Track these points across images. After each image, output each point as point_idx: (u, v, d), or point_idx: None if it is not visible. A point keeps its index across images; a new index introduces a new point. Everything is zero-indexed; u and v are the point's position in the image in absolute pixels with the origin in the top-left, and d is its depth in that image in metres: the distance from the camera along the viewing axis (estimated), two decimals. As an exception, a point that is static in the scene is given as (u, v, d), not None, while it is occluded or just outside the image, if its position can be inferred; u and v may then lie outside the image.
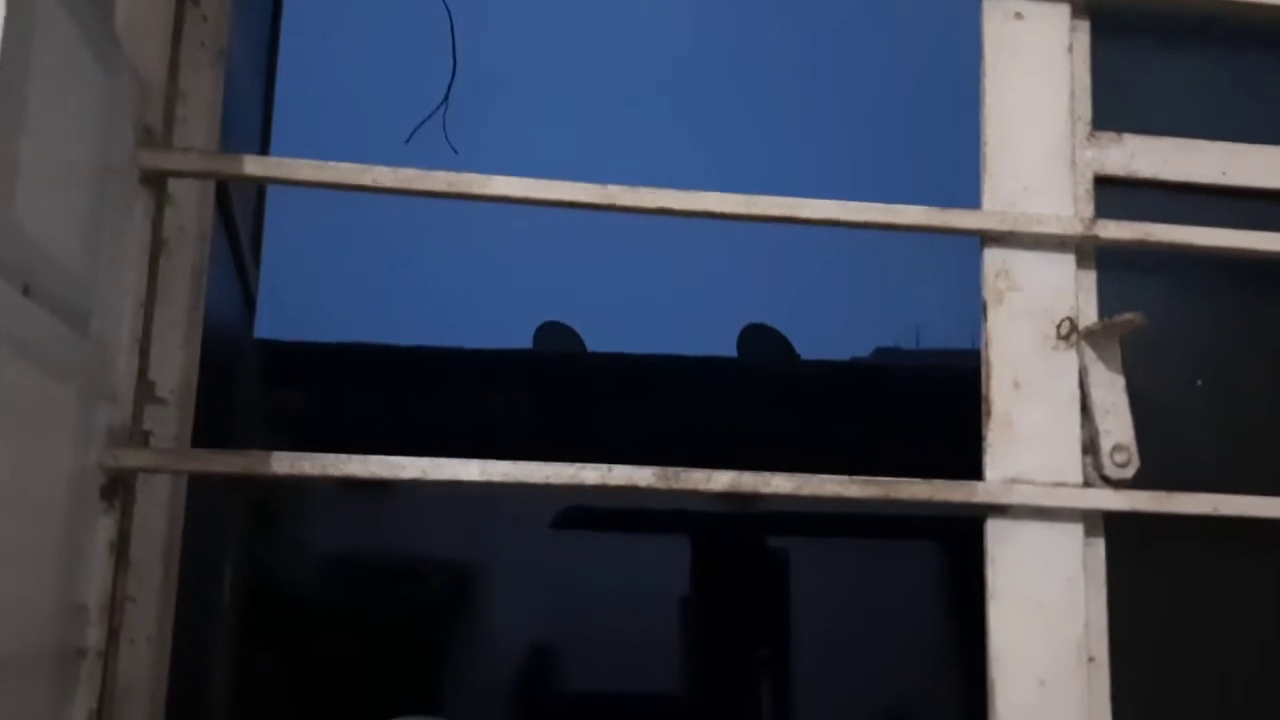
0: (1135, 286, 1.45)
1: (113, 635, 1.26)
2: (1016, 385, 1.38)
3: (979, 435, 1.39)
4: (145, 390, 1.31)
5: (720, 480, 1.32)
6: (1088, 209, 1.43)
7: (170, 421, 1.33)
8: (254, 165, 1.32)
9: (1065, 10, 1.47)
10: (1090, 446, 1.37)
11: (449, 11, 2.41)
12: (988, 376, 1.38)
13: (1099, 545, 1.36)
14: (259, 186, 2.35)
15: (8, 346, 0.93)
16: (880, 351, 10.00)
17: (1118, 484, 1.35)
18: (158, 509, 1.32)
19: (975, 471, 1.38)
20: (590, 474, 1.31)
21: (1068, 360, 1.39)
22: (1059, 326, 1.39)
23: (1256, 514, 1.36)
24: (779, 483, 1.32)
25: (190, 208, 1.35)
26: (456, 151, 2.47)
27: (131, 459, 1.23)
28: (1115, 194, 1.45)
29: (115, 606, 1.26)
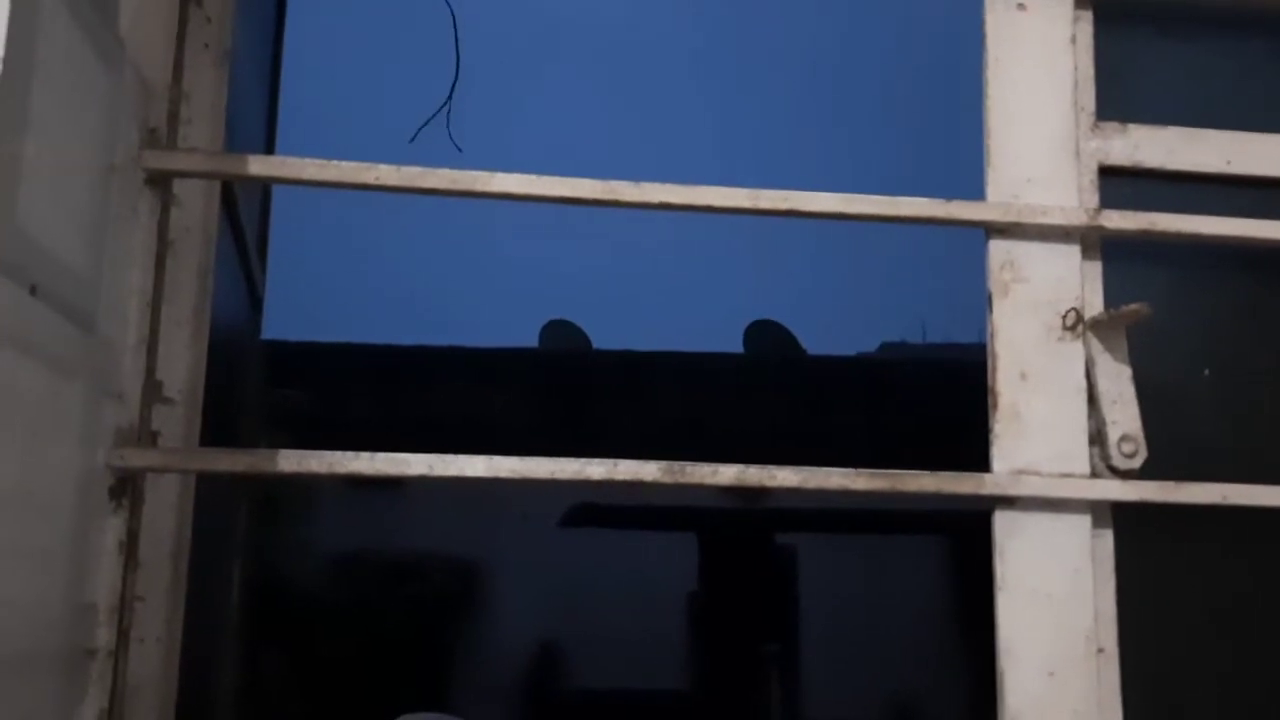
0: (1141, 277, 1.45)
1: (122, 635, 1.27)
2: (1023, 376, 1.37)
3: (986, 428, 1.38)
4: (153, 390, 1.31)
5: (726, 474, 1.32)
6: (1092, 199, 1.42)
7: (178, 421, 1.33)
8: (258, 165, 1.32)
9: (1068, 1, 1.46)
10: (1097, 437, 1.37)
11: (452, 11, 2.41)
12: (994, 368, 1.38)
13: (1107, 536, 1.36)
14: (265, 188, 2.35)
15: (14, 346, 0.93)
16: (886, 346, 9.99)
17: (1125, 474, 1.35)
18: (166, 509, 1.32)
19: (983, 465, 1.37)
20: (596, 469, 1.31)
21: (1074, 351, 1.38)
22: (1065, 317, 1.39)
23: (1265, 503, 1.35)
24: (784, 476, 1.32)
25: (196, 208, 1.35)
26: (461, 150, 2.47)
27: (139, 459, 1.23)
28: (1120, 184, 1.45)
29: (124, 606, 1.27)
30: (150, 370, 1.30)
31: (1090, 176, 1.44)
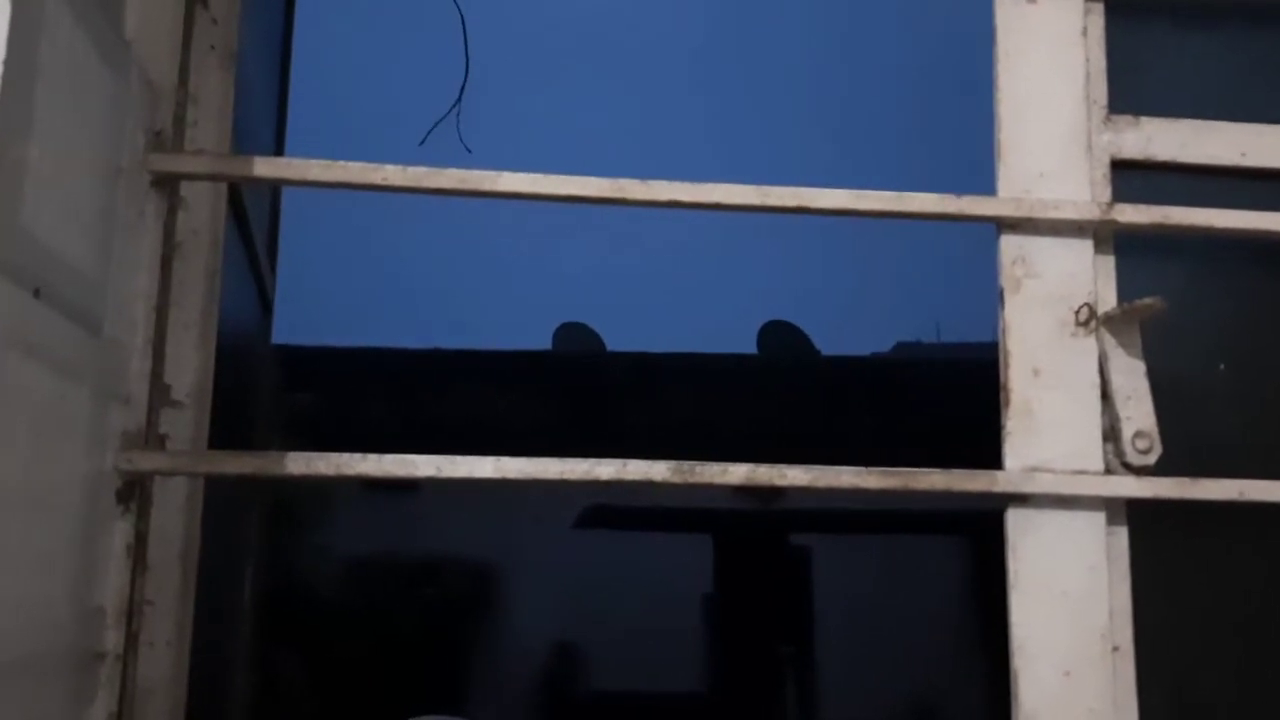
0: (1154, 272, 1.43)
1: (131, 639, 1.27)
2: (1035, 373, 1.36)
3: (1000, 427, 1.37)
4: (160, 393, 1.31)
5: (736, 473, 1.31)
6: (1105, 193, 1.41)
7: (186, 424, 1.33)
8: (264, 166, 1.32)
9: (1079, -7, 1.45)
10: (1111, 433, 1.35)
11: (461, 13, 2.41)
12: (1006, 365, 1.36)
13: (1122, 533, 1.34)
14: (273, 191, 2.36)
15: (19, 349, 0.93)
16: (900, 346, 9.96)
17: (1140, 471, 1.33)
18: (175, 512, 1.32)
19: (998, 464, 1.36)
20: (605, 469, 1.30)
21: (1087, 347, 1.37)
22: (1078, 313, 1.37)
23: (1282, 499, 1.34)
24: (795, 475, 1.31)
25: (203, 211, 1.35)
26: (470, 151, 2.47)
27: (146, 461, 1.23)
28: (1132, 178, 1.43)
29: (133, 610, 1.26)
30: (158, 373, 1.30)
31: (1102, 170, 1.42)
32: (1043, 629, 1.31)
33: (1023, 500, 1.33)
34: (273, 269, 2.29)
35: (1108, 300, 1.40)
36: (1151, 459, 1.33)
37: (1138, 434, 1.34)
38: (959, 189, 1.39)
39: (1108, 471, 1.34)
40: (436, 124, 2.38)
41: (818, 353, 9.24)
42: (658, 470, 1.30)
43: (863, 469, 1.31)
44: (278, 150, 2.42)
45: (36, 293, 0.95)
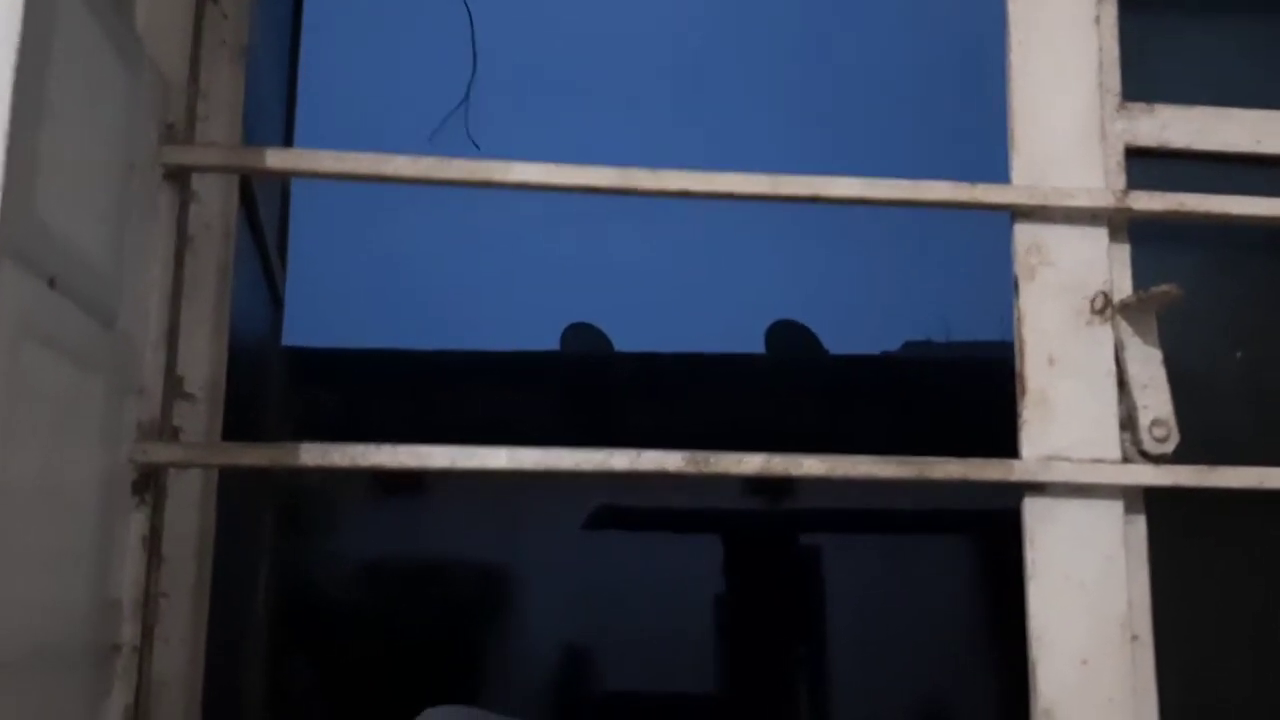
0: (1170, 260, 1.42)
1: (147, 632, 1.27)
2: (1051, 362, 1.35)
3: (1013, 426, 1.36)
4: (174, 386, 1.31)
5: (751, 463, 1.31)
6: (1119, 181, 1.40)
7: (200, 417, 1.33)
8: (275, 158, 1.32)
9: (1091, -20, 1.44)
10: (1128, 422, 1.34)
11: (469, 9, 2.41)
12: (1021, 354, 1.36)
13: (1140, 522, 1.34)
14: (283, 190, 2.36)
15: (34, 338, 0.93)
16: (909, 345, 9.94)
17: (1158, 459, 1.32)
18: (189, 505, 1.32)
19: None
20: (619, 459, 1.30)
21: (1103, 335, 1.36)
22: (1093, 301, 1.36)
23: (1302, 487, 1.33)
24: (810, 464, 1.31)
25: (215, 204, 1.35)
26: (479, 147, 2.47)
27: (161, 453, 1.23)
28: (1147, 166, 1.42)
29: (149, 603, 1.27)
30: (171, 366, 1.30)
31: (1117, 158, 1.41)
32: (1060, 618, 1.30)
33: (1040, 489, 1.32)
34: (283, 265, 2.29)
35: (1123, 289, 1.39)
36: (1169, 447, 1.33)
37: (1155, 422, 1.33)
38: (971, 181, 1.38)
39: (1125, 460, 1.34)
40: (444, 120, 2.38)
41: (826, 352, 9.23)
42: (672, 461, 1.30)
43: (878, 458, 1.31)
44: (286, 145, 2.42)
45: (52, 282, 0.95)
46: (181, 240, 1.31)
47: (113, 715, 1.20)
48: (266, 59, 2.05)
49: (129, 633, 1.22)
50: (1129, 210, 1.36)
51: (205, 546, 1.35)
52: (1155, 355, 1.35)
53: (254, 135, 1.75)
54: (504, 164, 1.29)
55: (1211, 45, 1.50)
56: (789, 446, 1.31)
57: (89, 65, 1.04)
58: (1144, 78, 1.43)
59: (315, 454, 1.26)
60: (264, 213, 2.04)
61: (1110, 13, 1.45)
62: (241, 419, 1.71)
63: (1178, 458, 1.33)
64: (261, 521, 2.59)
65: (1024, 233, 1.37)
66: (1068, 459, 1.32)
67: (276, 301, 2.23)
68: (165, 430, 1.28)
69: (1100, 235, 1.37)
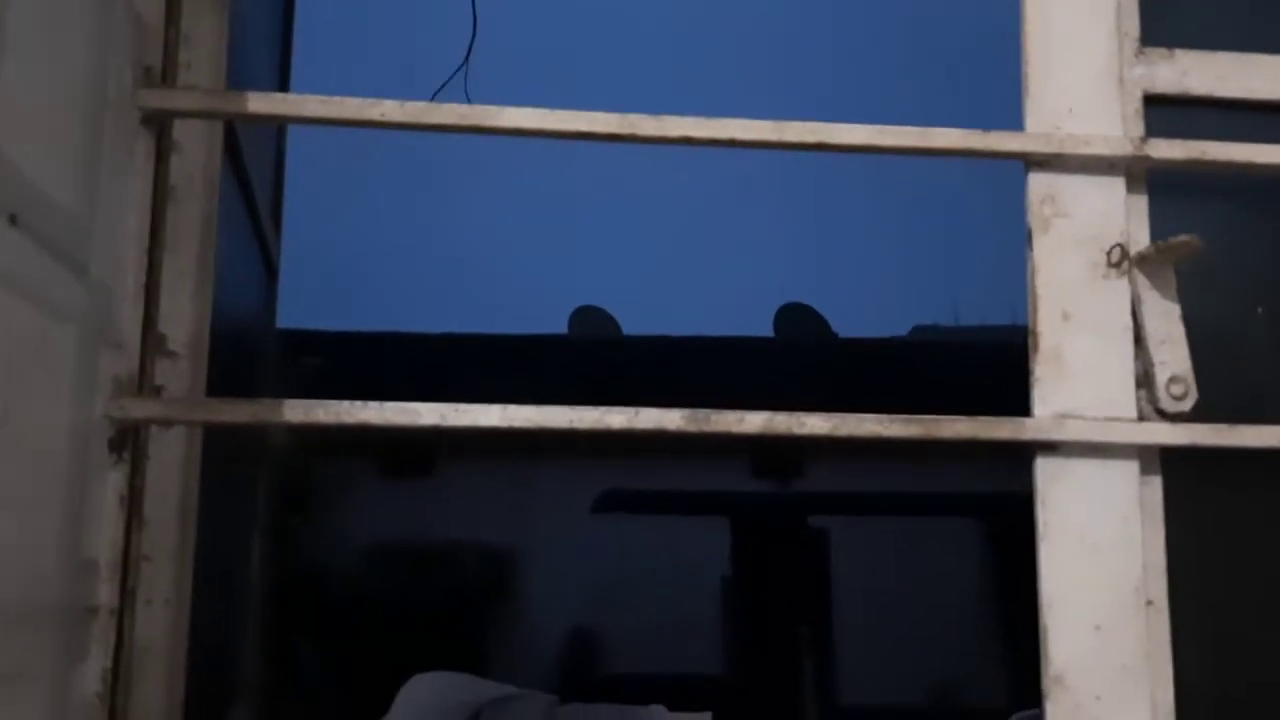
0: (1188, 212, 1.37)
1: (128, 595, 1.22)
2: (1065, 317, 1.30)
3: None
4: (156, 343, 1.27)
5: (753, 422, 1.26)
6: (1137, 129, 1.34)
7: (183, 376, 1.29)
8: (259, 103, 1.27)
9: (1108, -78, 1.38)
10: (1145, 379, 1.29)
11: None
12: (1034, 308, 1.30)
13: (1156, 483, 1.28)
14: (278, 153, 2.31)
15: (-6, 275, 0.88)
16: (918, 329, 9.88)
17: (1175, 418, 1.27)
18: (171, 466, 1.28)
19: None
20: (616, 417, 1.25)
21: (1119, 289, 1.31)
22: (1109, 254, 1.31)
23: (1326, 447, 1.27)
24: (814, 423, 1.26)
25: (198, 155, 1.31)
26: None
27: (139, 409, 1.19)
28: (1167, 114, 1.37)
29: (129, 565, 1.22)
30: (151, 322, 1.25)
31: (1135, 106, 1.36)
32: (1073, 583, 1.25)
33: (1052, 448, 1.27)
34: (278, 232, 2.24)
35: (1140, 241, 1.33)
36: (1187, 405, 1.27)
37: (1173, 379, 1.27)
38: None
39: (1141, 418, 1.28)
40: (444, 84, 2.33)
41: (835, 335, 9.18)
42: (671, 419, 1.25)
43: (884, 417, 1.26)
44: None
45: (13, 219, 0.91)
46: (162, 191, 1.26)
47: (90, 679, 1.16)
48: (259, 19, 2.00)
49: (106, 594, 1.18)
50: (1147, 159, 1.30)
51: (189, 508, 1.31)
52: (1174, 310, 1.29)
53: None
54: (496, 109, 1.24)
55: (1234, -11, 1.44)
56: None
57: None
58: (1163, 22, 1.38)
59: (299, 411, 1.21)
60: (256, 177, 2.00)
61: (1128, -45, 1.39)
62: (236, 390, 1.66)
63: (1196, 416, 1.27)
64: (255, 497, 2.56)
65: (1038, 182, 1.32)
66: (1081, 417, 1.27)
67: (271, 271, 2.18)
68: (146, 388, 1.23)
69: (1117, 185, 1.32)
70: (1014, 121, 1.36)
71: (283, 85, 2.18)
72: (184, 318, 1.29)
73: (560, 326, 9.16)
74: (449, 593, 7.32)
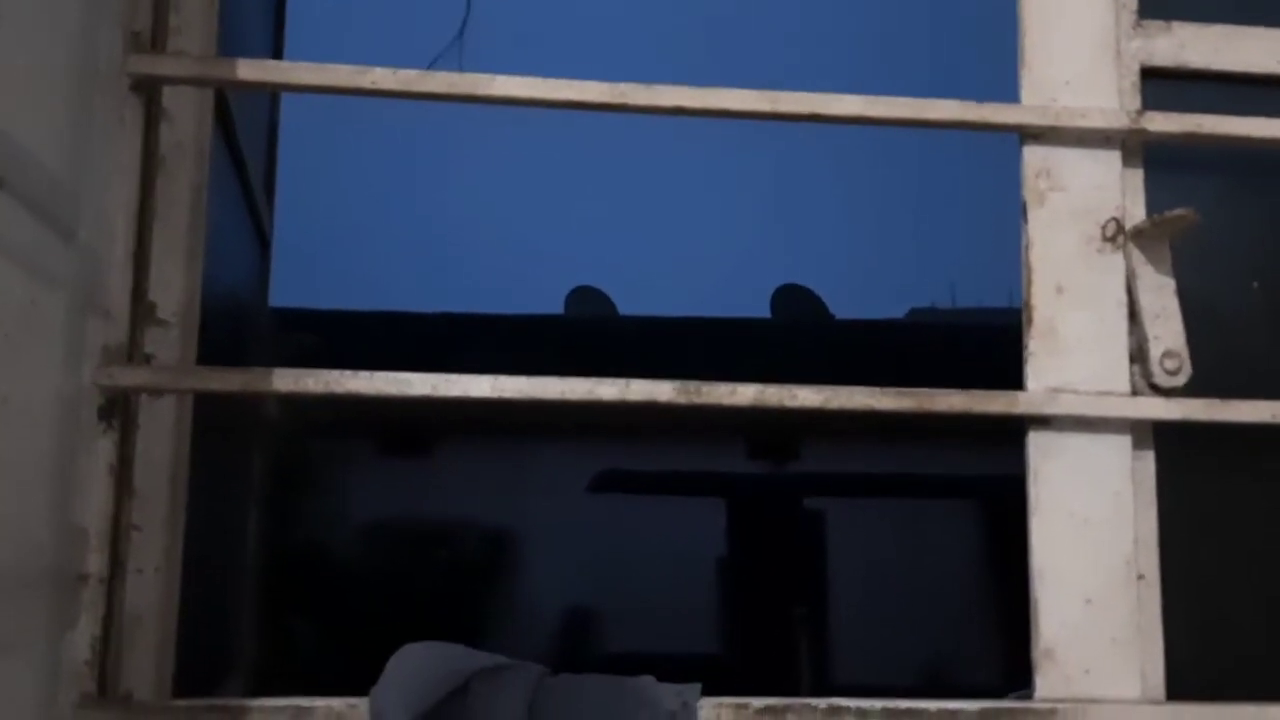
0: (1184, 186, 1.36)
1: (118, 564, 1.22)
2: (1059, 291, 1.29)
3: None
4: (146, 312, 1.26)
5: (744, 394, 1.26)
6: (1134, 102, 1.33)
7: (173, 345, 1.28)
8: (250, 69, 1.26)
9: (1107, -108, 1.37)
10: (1139, 354, 1.29)
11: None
12: (1029, 282, 1.30)
13: (1148, 458, 1.28)
14: (271, 124, 2.30)
15: (-22, 237, 0.88)
16: (915, 311, 9.87)
17: (1168, 392, 1.27)
18: (161, 435, 1.27)
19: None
20: (607, 389, 1.25)
21: (1114, 264, 1.30)
22: (1104, 228, 1.30)
23: (1318, 423, 1.27)
24: (806, 395, 1.25)
25: (188, 123, 1.29)
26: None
27: (128, 377, 1.18)
28: (1163, 87, 1.36)
29: (119, 534, 1.22)
30: (141, 290, 1.25)
31: (1131, 79, 1.35)
32: (1064, 556, 1.25)
33: (1045, 422, 1.27)
34: (270, 204, 2.23)
35: (1136, 216, 1.33)
36: (1180, 380, 1.27)
37: (1166, 354, 1.27)
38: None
39: (1134, 393, 1.28)
40: (436, 58, 2.32)
41: (832, 317, 9.16)
42: (662, 390, 1.25)
43: (877, 390, 1.26)
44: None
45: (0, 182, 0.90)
46: (151, 159, 1.26)
47: (80, 647, 1.16)
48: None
49: (96, 563, 1.18)
50: (1144, 132, 1.30)
51: (179, 478, 1.31)
52: (1168, 284, 1.29)
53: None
54: (487, 77, 1.23)
55: (1232, -39, 1.43)
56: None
57: (42, -40, 0.98)
58: (1162, -6, 1.36)
59: (289, 380, 1.21)
60: (248, 149, 1.98)
61: (1127, -74, 1.38)
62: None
63: (1189, 391, 1.27)
64: (269, 486, 2.56)
65: (1033, 155, 1.31)
66: (1075, 391, 1.27)
67: (264, 244, 2.17)
68: (136, 357, 1.23)
69: (1113, 159, 1.31)
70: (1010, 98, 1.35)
71: (276, 55, 2.17)
72: (174, 287, 1.28)
73: (556, 307, 9.15)
74: (444, 571, 7.33)
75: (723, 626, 7.41)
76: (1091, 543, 1.25)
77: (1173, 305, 1.29)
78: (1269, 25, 1.37)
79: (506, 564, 7.59)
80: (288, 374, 1.20)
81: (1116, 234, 1.30)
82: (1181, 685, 1.24)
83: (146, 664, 1.23)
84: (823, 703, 1.20)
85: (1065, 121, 1.29)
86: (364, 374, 1.21)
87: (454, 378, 1.22)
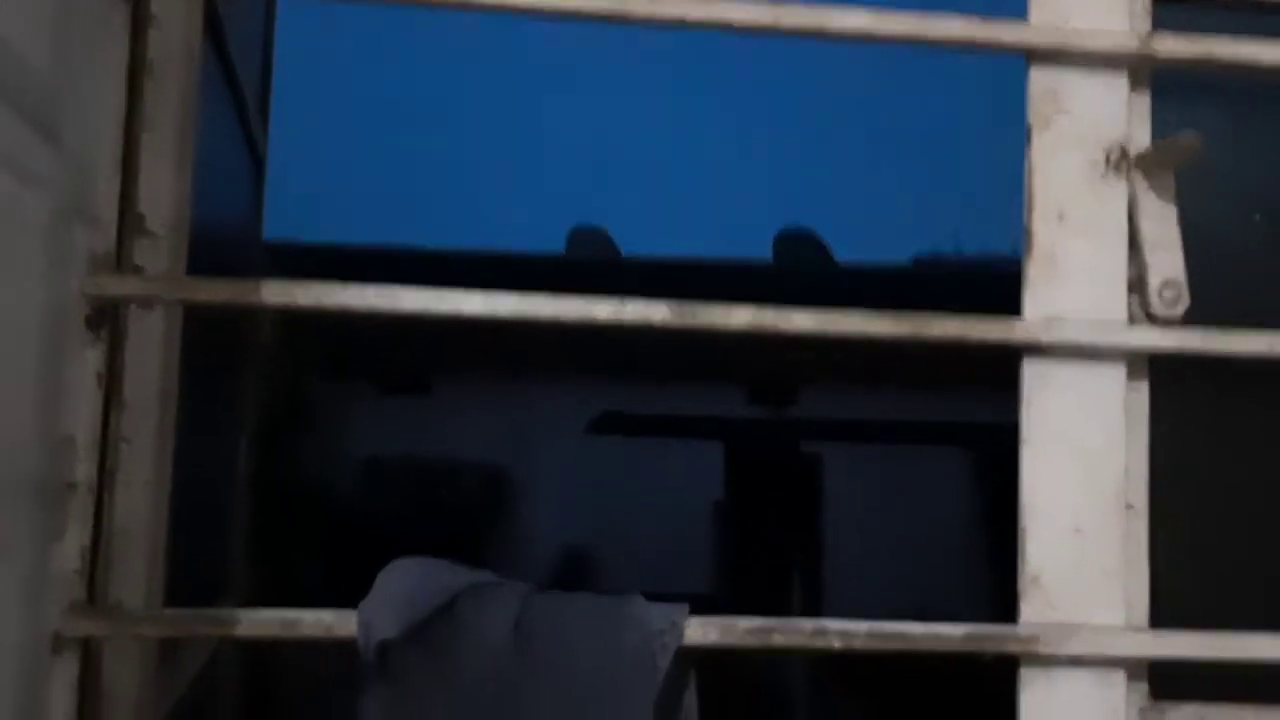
0: (1191, 116, 1.33)
1: (107, 475, 1.22)
2: (1061, 218, 1.28)
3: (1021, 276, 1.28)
4: (135, 222, 1.24)
5: (739, 317, 1.25)
6: (1144, 25, 1.30)
7: (162, 256, 1.26)
8: (237, -25, 1.23)
9: None
10: (1137, 284, 1.27)
11: None
12: (1030, 208, 1.28)
13: (1143, 389, 1.27)
14: (264, 50, 2.26)
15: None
16: (919, 260, 9.82)
17: (1165, 322, 1.25)
18: (151, 348, 1.26)
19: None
20: (602, 310, 1.23)
21: (1117, 191, 1.28)
22: (1109, 154, 1.28)
23: (1317, 357, 1.26)
24: (800, 320, 1.24)
25: (176, 28, 1.27)
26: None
27: (116, 286, 1.17)
28: (1174, 13, 1.33)
29: (108, 446, 1.22)
30: (129, 199, 1.23)
31: (1143, 2, 1.32)
32: (1054, 485, 1.25)
33: (1040, 351, 1.26)
34: (265, 125, 2.20)
35: (1141, 143, 1.30)
36: (1178, 310, 1.25)
37: (1165, 283, 1.25)
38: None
39: (1132, 323, 1.27)
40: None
41: (835, 262, 9.12)
42: (658, 311, 1.24)
43: (872, 313, 1.25)
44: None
45: (-23, 73, 0.88)
46: (139, 64, 1.23)
47: (69, 556, 1.16)
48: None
49: (84, 472, 1.17)
50: (1153, 56, 1.27)
51: (169, 391, 1.30)
52: (1170, 213, 1.27)
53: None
54: (484, -15, 1.20)
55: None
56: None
57: None
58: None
59: (279, 292, 1.19)
60: (241, 67, 1.95)
61: None
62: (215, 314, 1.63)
63: (1187, 323, 1.26)
64: (266, 417, 2.55)
65: (1040, 77, 1.28)
66: (1071, 320, 1.25)
67: (257, 162, 2.15)
68: (125, 266, 1.22)
69: (1120, 83, 1.28)
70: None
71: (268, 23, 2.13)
72: (163, 198, 1.26)
73: (557, 245, 9.11)
74: (442, 509, 7.38)
75: (718, 567, 7.48)
76: (1082, 472, 1.24)
77: (1174, 235, 1.27)
78: (1285, -50, 1.34)
79: (504, 503, 7.64)
80: (278, 285, 1.19)
81: (1121, 160, 1.28)
82: (1164, 613, 1.24)
83: (136, 575, 1.24)
84: (809, 624, 1.20)
85: (1073, 42, 1.26)
86: (354, 287, 1.19)
87: (446, 294, 1.21)
